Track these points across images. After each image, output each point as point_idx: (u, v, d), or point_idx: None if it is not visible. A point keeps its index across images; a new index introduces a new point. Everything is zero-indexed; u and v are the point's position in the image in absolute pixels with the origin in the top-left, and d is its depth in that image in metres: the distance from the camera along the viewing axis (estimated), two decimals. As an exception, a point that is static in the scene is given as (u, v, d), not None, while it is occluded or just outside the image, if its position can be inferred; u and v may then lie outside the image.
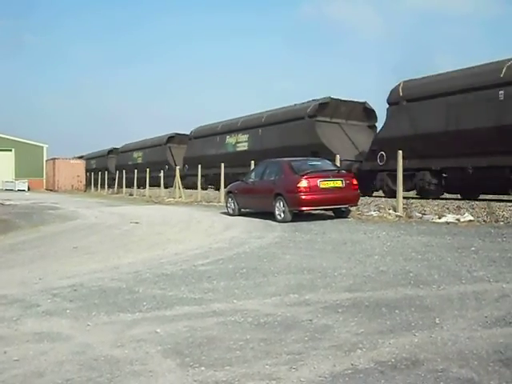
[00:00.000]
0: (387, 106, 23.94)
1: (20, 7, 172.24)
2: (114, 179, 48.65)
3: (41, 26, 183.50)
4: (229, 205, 19.42)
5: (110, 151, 65.70)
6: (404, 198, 17.42)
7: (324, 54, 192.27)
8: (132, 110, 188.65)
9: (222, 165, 27.12)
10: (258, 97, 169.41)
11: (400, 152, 16.84)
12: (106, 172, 53.76)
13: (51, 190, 60.52)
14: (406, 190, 20.02)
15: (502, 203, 16.54)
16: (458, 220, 14.30)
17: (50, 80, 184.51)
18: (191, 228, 15.64)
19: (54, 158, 62.81)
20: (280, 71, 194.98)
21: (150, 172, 39.44)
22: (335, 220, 16.04)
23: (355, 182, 16.55)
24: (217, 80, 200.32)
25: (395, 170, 17.89)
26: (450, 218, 14.67)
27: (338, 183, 16.05)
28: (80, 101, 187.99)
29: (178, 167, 34.02)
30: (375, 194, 24.88)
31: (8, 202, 31.00)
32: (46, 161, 68.39)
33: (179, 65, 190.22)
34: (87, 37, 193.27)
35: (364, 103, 28.86)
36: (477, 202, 16.92)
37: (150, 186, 38.75)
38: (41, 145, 71.24)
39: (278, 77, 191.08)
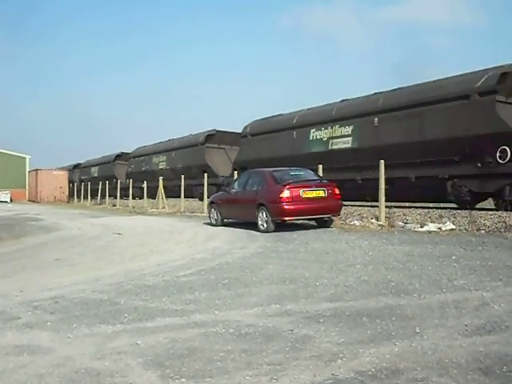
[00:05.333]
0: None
1: (11, 19, 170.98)
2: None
3: (30, 37, 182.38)
4: (212, 215, 19.42)
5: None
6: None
7: (307, 62, 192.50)
8: (121, 120, 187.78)
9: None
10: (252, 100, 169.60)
11: (382, 161, 16.90)
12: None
13: (34, 201, 60.19)
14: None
15: (483, 212, 16.65)
16: (440, 229, 14.39)
17: (37, 91, 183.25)
18: (174, 239, 15.61)
19: (37, 169, 62.49)
20: (268, 78, 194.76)
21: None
22: (318, 230, 16.08)
23: (337, 191, 16.60)
24: (205, 87, 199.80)
25: None
26: (431, 226, 14.76)
27: (321, 193, 16.11)
28: (68, 112, 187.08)
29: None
30: (358, 203, 24.69)
31: (-10, 214, 30.77)
32: (29, 172, 68.06)
33: (169, 73, 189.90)
34: (78, 47, 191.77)
35: None
36: (458, 211, 17.01)
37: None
38: (23, 156, 70.94)
39: (266, 84, 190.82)
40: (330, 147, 25.17)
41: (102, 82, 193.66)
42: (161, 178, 33.10)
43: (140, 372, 4.55)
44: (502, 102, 18.31)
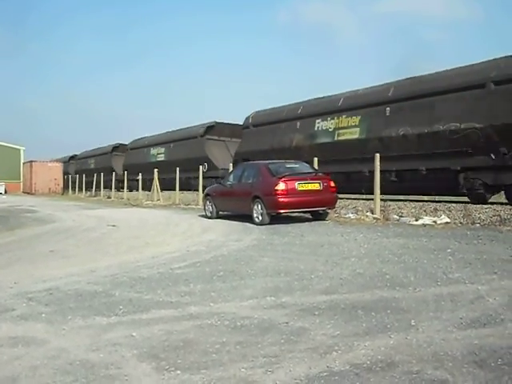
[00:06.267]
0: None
1: (12, 15, 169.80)
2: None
3: (31, 33, 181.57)
4: (207, 208, 19.39)
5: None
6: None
7: (305, 57, 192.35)
8: (120, 115, 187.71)
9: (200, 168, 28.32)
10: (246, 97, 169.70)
11: (377, 155, 16.90)
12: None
13: (28, 193, 60.06)
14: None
15: (478, 205, 16.69)
16: (435, 222, 14.40)
17: (40, 85, 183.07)
18: (169, 231, 15.59)
19: (31, 161, 62.33)
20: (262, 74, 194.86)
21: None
22: (313, 222, 16.08)
23: (333, 184, 16.60)
24: (204, 82, 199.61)
25: None
26: (426, 220, 14.77)
27: (316, 186, 16.10)
28: (69, 107, 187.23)
29: (156, 169, 33.62)
30: (353, 196, 24.95)
31: (-16, 206, 30.67)
32: (23, 163, 67.90)
33: (168, 69, 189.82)
34: (79, 43, 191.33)
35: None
36: (454, 205, 17.04)
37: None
38: (18, 147, 70.76)
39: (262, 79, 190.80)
40: (156, 159, 44.80)
41: (102, 77, 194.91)
42: (156, 170, 33.18)
43: (135, 364, 4.54)
44: (210, 139, 37.77)
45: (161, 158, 44.26)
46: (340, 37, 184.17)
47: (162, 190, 32.80)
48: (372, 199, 17.48)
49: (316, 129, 26.65)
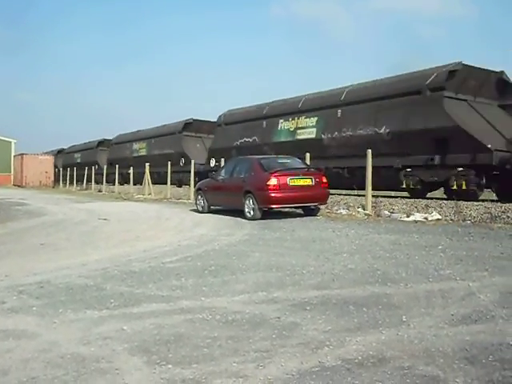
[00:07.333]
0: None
1: (12, 10, 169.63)
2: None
3: (32, 27, 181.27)
4: (198, 202, 19.38)
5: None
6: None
7: (296, 53, 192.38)
8: (118, 107, 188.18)
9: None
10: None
11: (369, 151, 16.93)
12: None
13: (19, 186, 59.87)
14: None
15: (469, 202, 16.73)
16: (426, 219, 14.44)
17: (35, 78, 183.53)
18: (160, 225, 15.57)
19: (22, 154, 62.17)
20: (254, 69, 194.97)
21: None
22: (305, 218, 16.09)
23: (325, 180, 16.61)
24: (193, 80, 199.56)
25: None
26: (418, 216, 14.81)
27: (308, 181, 16.11)
28: (66, 99, 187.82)
29: (147, 163, 33.84)
30: (344, 192, 25.02)
31: (-26, 198, 30.53)
32: (14, 156, 67.67)
33: (168, 65, 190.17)
34: (80, 36, 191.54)
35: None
36: (445, 201, 17.08)
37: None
38: (9, 140, 70.46)
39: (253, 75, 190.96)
40: (76, 161, 63.10)
41: (100, 72, 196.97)
42: (147, 164, 33.21)
43: (126, 358, 4.53)
44: (102, 150, 61.02)
45: (78, 160, 64.45)
46: (336, 33, 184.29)
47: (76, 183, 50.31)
48: (364, 195, 17.52)
49: (133, 149, 50.35)
